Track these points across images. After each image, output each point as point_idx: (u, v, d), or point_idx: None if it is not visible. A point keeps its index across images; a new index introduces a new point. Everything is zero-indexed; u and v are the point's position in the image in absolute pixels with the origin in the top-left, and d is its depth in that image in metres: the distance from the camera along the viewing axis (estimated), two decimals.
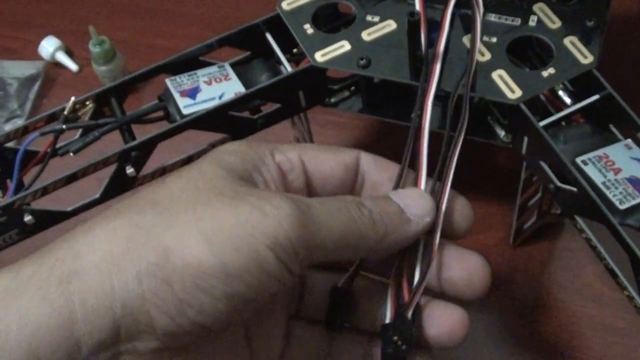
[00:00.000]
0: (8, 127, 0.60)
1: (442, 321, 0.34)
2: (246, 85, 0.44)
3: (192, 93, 0.43)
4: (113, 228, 0.29)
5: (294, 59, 0.45)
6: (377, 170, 0.35)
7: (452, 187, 0.35)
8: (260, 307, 0.31)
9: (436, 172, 0.35)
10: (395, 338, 0.33)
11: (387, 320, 0.34)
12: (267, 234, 0.28)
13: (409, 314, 0.33)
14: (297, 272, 0.30)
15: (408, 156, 0.36)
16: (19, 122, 0.60)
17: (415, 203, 0.33)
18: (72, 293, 0.27)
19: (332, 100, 0.46)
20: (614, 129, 0.41)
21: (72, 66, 0.63)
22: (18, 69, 0.63)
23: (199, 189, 0.30)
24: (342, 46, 0.43)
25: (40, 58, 0.63)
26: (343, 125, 0.56)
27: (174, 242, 0.28)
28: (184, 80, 0.44)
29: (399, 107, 0.45)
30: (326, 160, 0.35)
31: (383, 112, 0.46)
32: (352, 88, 0.46)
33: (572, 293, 0.49)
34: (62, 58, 0.63)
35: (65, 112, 0.43)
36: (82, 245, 0.29)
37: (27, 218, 0.42)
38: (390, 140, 0.52)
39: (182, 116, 0.42)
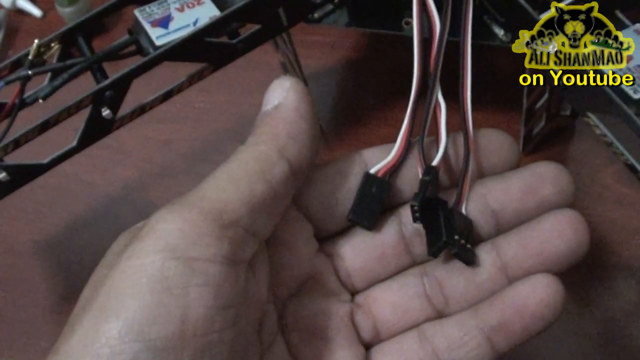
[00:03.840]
0: None
1: None
2: (221, 8, 0.40)
3: (164, 22, 0.40)
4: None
5: None
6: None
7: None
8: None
9: None
10: (457, 237, 0.31)
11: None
12: None
13: (462, 208, 0.32)
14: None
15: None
16: None
17: None
18: None
19: (316, 15, 0.42)
20: (620, 15, 0.38)
21: (36, 11, 0.59)
22: None
23: None
24: None
25: (0, 6, 0.60)
26: (331, 44, 0.53)
27: None
28: (154, 10, 0.40)
29: (387, 18, 0.42)
30: None
31: (371, 23, 0.43)
32: (336, 0, 0.42)
33: (591, 197, 0.47)
34: (24, 4, 0.59)
35: (30, 57, 0.40)
36: None
37: (1, 175, 0.39)
38: (384, 55, 0.49)
39: (156, 48, 0.39)
